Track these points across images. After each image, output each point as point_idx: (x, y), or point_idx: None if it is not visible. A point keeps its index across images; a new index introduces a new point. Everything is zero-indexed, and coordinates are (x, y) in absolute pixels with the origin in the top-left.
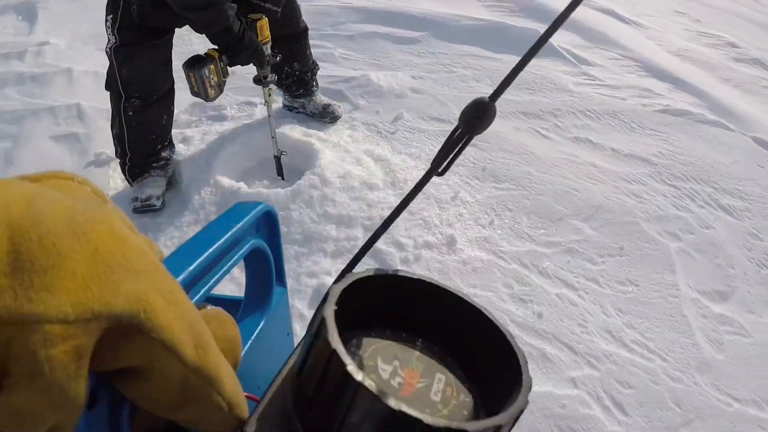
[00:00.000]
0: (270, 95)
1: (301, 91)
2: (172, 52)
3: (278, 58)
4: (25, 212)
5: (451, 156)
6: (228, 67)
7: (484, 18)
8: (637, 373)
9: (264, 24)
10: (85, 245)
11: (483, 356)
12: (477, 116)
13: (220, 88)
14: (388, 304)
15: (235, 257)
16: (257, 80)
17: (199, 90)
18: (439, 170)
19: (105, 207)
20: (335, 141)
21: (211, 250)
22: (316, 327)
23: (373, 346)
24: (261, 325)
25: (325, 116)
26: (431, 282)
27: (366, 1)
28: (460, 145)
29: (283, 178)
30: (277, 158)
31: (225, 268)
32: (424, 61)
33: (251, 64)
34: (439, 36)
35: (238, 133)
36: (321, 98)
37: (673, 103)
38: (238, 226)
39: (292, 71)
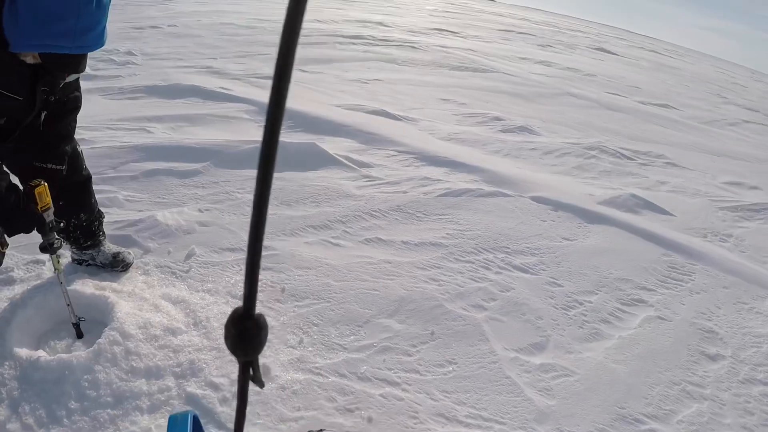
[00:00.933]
0: (59, 261)
1: (89, 242)
2: None
3: (62, 224)
4: None
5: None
6: (7, 237)
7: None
8: None
9: (43, 190)
10: None
11: None
12: (245, 338)
13: None
14: None
15: None
16: (43, 248)
17: None
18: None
19: None
20: (130, 290)
21: None
22: None
23: None
24: None
25: (116, 265)
26: None
27: (146, 138)
28: (250, 376)
29: (81, 337)
30: (76, 325)
31: None
32: (208, 192)
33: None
34: (220, 164)
35: (29, 296)
36: (110, 247)
37: (452, 185)
38: None
39: (79, 222)
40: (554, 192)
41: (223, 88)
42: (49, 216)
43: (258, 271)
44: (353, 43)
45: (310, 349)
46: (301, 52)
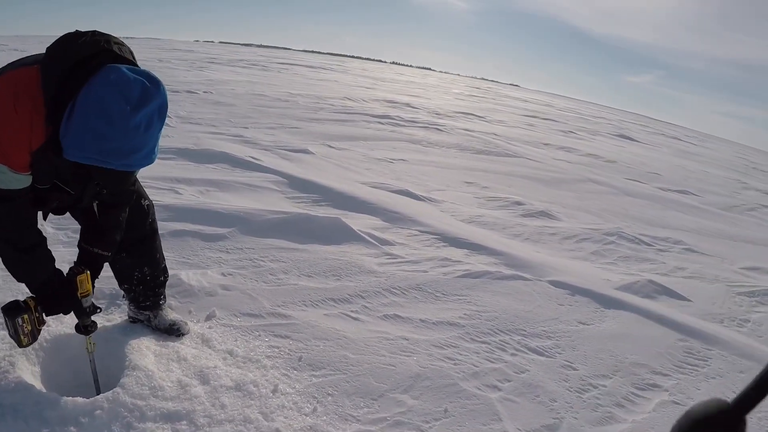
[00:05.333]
0: (92, 343)
1: (149, 302)
2: None
3: (99, 310)
4: None
5: None
6: (45, 316)
7: (288, 210)
8: None
9: (84, 278)
10: None
11: None
12: None
13: (33, 336)
14: None
15: None
16: (78, 329)
17: (12, 336)
18: None
19: None
20: (147, 344)
21: None
22: None
23: None
24: None
25: (171, 333)
26: None
27: (174, 198)
28: None
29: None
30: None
31: None
32: (233, 257)
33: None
34: (245, 231)
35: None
36: (168, 313)
37: (472, 266)
38: None
39: (142, 276)
40: (572, 277)
41: (252, 157)
42: (88, 302)
43: None
44: (381, 123)
45: (324, 418)
46: (330, 128)
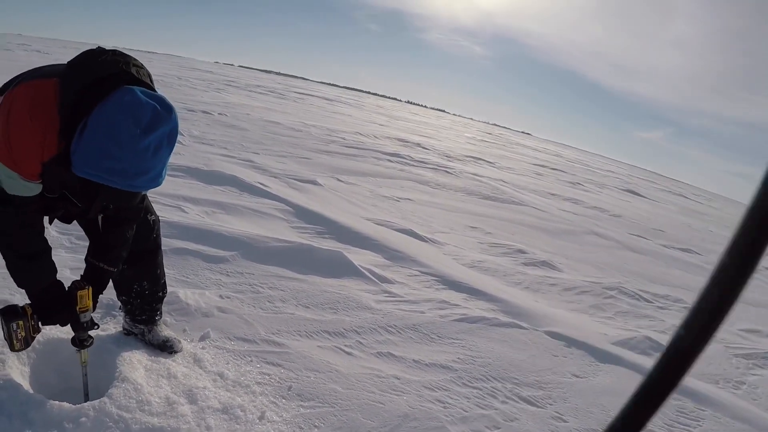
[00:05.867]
0: (85, 358)
1: (144, 317)
2: None
3: (97, 327)
4: None
5: None
6: (40, 325)
7: (291, 240)
8: None
9: (85, 294)
10: None
11: None
12: None
13: (26, 342)
14: None
15: None
16: (73, 341)
17: (6, 339)
18: None
19: None
20: (138, 358)
21: None
22: None
23: None
24: None
25: (164, 350)
26: None
27: (180, 216)
28: None
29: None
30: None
31: None
32: (232, 281)
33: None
34: (247, 256)
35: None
36: (162, 329)
37: (469, 311)
38: None
39: (141, 290)
40: (569, 328)
41: (261, 183)
42: (86, 317)
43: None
44: (390, 161)
45: None
46: (340, 161)
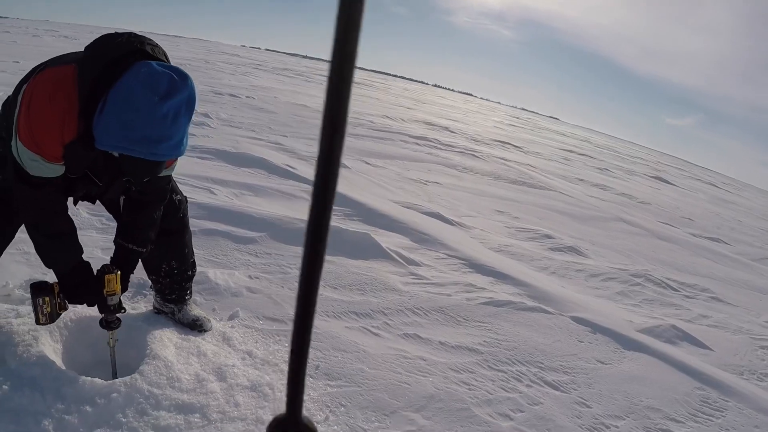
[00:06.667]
0: (115, 339)
1: (174, 296)
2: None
3: (124, 311)
4: None
5: None
6: (67, 303)
7: None
8: None
9: (113, 278)
10: None
11: None
12: None
13: (51, 318)
14: None
15: None
16: (101, 323)
17: (33, 313)
18: None
19: None
20: (169, 336)
21: None
22: None
23: None
24: None
25: (194, 328)
26: None
27: (209, 198)
28: None
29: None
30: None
31: None
32: (261, 261)
33: None
34: (276, 237)
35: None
36: (192, 308)
37: (496, 295)
38: None
39: (170, 269)
40: (595, 315)
41: (289, 165)
42: (114, 300)
43: (305, 369)
44: (418, 144)
45: (335, 428)
46: (367, 144)
